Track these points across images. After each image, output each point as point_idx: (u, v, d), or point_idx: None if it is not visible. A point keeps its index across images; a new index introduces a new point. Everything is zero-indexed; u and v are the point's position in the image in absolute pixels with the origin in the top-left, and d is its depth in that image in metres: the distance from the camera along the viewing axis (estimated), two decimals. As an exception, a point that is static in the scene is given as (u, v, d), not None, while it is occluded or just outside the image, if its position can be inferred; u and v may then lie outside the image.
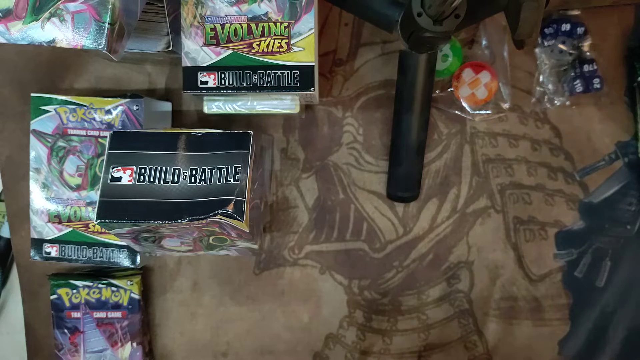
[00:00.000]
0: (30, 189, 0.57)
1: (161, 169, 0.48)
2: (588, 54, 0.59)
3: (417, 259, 0.61)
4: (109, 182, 0.48)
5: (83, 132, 0.57)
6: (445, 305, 0.61)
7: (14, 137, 0.62)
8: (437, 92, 0.60)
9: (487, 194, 0.61)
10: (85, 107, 0.57)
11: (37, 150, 0.57)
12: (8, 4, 0.42)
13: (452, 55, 0.58)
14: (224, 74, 0.51)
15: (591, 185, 0.61)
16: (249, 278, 0.61)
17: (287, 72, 0.50)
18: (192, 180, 0.48)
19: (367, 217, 0.61)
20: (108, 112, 0.57)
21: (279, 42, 0.50)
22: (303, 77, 0.50)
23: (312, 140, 0.61)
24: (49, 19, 0.42)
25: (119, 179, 0.48)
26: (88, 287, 0.59)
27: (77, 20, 0.42)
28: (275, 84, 0.51)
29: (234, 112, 0.54)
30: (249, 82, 0.51)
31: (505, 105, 0.59)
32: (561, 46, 0.59)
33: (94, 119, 0.57)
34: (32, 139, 0.57)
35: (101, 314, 0.59)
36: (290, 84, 0.50)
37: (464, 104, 0.59)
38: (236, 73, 0.51)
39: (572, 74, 0.59)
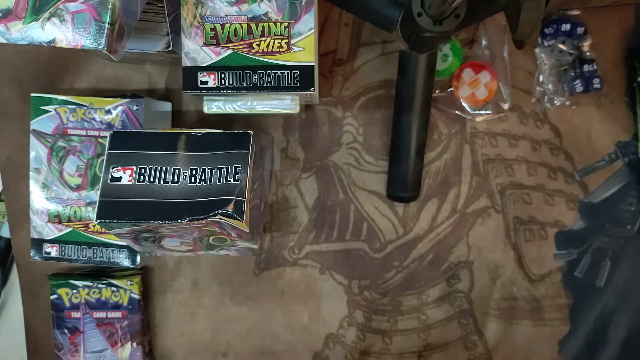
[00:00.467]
0: (30, 189, 0.57)
1: (161, 169, 0.48)
2: (588, 54, 0.59)
3: (417, 259, 0.61)
4: (109, 182, 0.48)
5: (83, 132, 0.57)
6: (445, 305, 0.61)
7: (14, 137, 0.62)
8: (437, 92, 0.60)
9: (487, 194, 0.61)
10: (85, 107, 0.57)
11: (37, 150, 0.57)
12: (8, 4, 0.42)
13: (452, 55, 0.58)
14: (224, 74, 0.51)
15: (591, 185, 0.61)
16: (249, 278, 0.61)
17: (287, 72, 0.50)
18: (192, 180, 0.48)
19: (367, 217, 0.61)
20: (108, 112, 0.57)
21: (279, 42, 0.50)
22: (303, 77, 0.50)
23: (312, 140, 0.61)
24: (49, 19, 0.42)
25: (119, 179, 0.48)
26: (88, 287, 0.59)
27: (77, 20, 0.42)
28: (275, 84, 0.51)
29: (234, 112, 0.54)
30: (249, 82, 0.51)
31: (505, 105, 0.59)
32: (561, 46, 0.59)
33: (94, 119, 0.57)
34: (32, 139, 0.57)
35: (101, 314, 0.59)
36: (290, 84, 0.50)
37: (464, 104, 0.59)
38: (236, 73, 0.51)
39: (572, 74, 0.59)
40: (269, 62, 0.51)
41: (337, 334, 0.61)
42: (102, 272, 0.61)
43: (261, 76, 0.51)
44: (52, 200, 0.57)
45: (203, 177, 0.48)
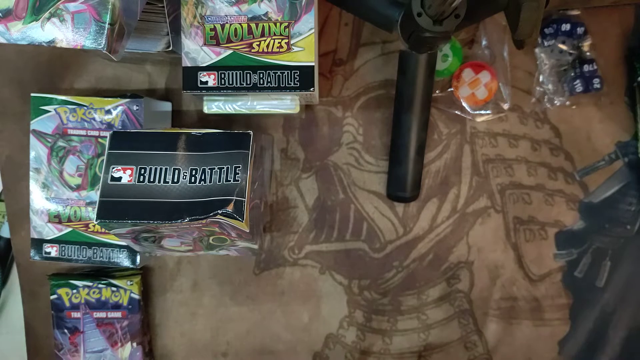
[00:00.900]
0: (30, 189, 0.57)
1: (161, 169, 0.48)
2: (588, 54, 0.59)
3: (417, 259, 0.61)
4: (109, 182, 0.48)
5: (83, 132, 0.57)
6: (445, 305, 0.61)
7: (14, 137, 0.62)
8: (437, 92, 0.60)
9: (487, 194, 0.61)
10: (85, 107, 0.57)
11: (37, 150, 0.57)
12: (8, 4, 0.42)
13: (452, 55, 0.58)
14: (224, 74, 0.51)
15: (591, 185, 0.61)
16: (249, 278, 0.61)
17: (287, 72, 0.50)
18: (192, 180, 0.48)
19: (367, 217, 0.61)
20: (108, 112, 0.57)
21: (279, 42, 0.50)
22: (303, 77, 0.50)
23: (312, 140, 0.61)
24: (49, 19, 0.42)
25: (119, 179, 0.48)
26: (88, 287, 0.59)
27: (77, 20, 0.42)
28: (275, 84, 0.51)
29: (234, 112, 0.54)
30: (249, 82, 0.51)
31: (505, 105, 0.59)
32: (561, 46, 0.59)
33: (94, 119, 0.57)
34: (32, 139, 0.57)
35: (101, 314, 0.59)
36: (290, 84, 0.50)
37: (464, 104, 0.59)
38: (236, 73, 0.51)
39: (572, 74, 0.59)
40: (269, 62, 0.51)
41: (337, 334, 0.61)
42: (102, 272, 0.61)
43: (261, 76, 0.51)
44: (52, 200, 0.57)
45: (203, 177, 0.48)
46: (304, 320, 0.61)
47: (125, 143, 0.50)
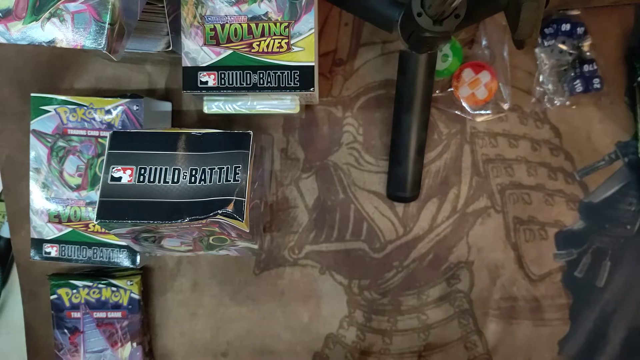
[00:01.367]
0: (30, 189, 0.57)
1: (161, 169, 0.48)
2: (588, 54, 0.59)
3: (417, 259, 0.61)
4: (109, 182, 0.48)
5: (83, 132, 0.57)
6: (445, 305, 0.61)
7: (14, 137, 0.62)
8: (437, 92, 0.60)
9: (487, 194, 0.61)
10: (85, 107, 0.57)
11: (37, 150, 0.57)
12: (8, 4, 0.42)
13: (452, 55, 0.58)
14: (224, 74, 0.51)
15: (591, 185, 0.61)
16: (249, 278, 0.61)
17: (287, 72, 0.50)
18: (192, 180, 0.48)
19: (367, 217, 0.61)
20: (108, 112, 0.57)
21: (279, 42, 0.50)
22: (303, 77, 0.50)
23: (312, 140, 0.61)
24: (49, 19, 0.42)
25: (119, 179, 0.48)
26: (88, 287, 0.59)
27: (77, 20, 0.42)
28: (275, 84, 0.51)
29: (234, 112, 0.54)
30: (249, 82, 0.51)
31: (505, 105, 0.59)
32: (561, 46, 0.59)
33: (94, 119, 0.57)
34: (32, 139, 0.57)
35: (101, 314, 0.59)
36: (290, 84, 0.50)
37: (464, 104, 0.59)
38: (236, 73, 0.51)
39: (572, 74, 0.59)
40: (269, 62, 0.51)
41: (337, 334, 0.61)
42: (102, 272, 0.61)
43: (261, 76, 0.51)
44: (52, 200, 0.57)
45: (203, 177, 0.48)
46: (304, 320, 0.61)
47: (125, 143, 0.50)
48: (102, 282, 0.59)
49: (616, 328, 0.60)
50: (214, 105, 0.54)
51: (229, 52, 0.51)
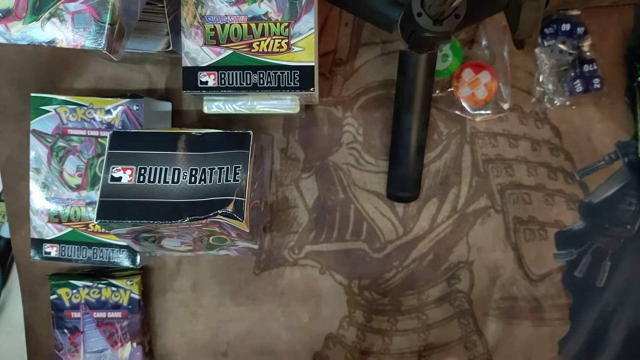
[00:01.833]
0: (30, 189, 0.57)
1: (161, 169, 0.48)
2: (588, 54, 0.59)
3: (417, 259, 0.61)
4: (109, 182, 0.48)
5: (83, 132, 0.57)
6: (445, 305, 0.61)
7: (14, 137, 0.62)
8: (437, 92, 0.60)
9: (487, 194, 0.61)
10: (85, 107, 0.57)
11: (37, 150, 0.57)
12: (8, 4, 0.42)
13: (452, 55, 0.58)
14: (224, 74, 0.51)
15: (591, 185, 0.61)
16: (249, 278, 0.61)
17: (287, 72, 0.50)
18: (192, 180, 0.48)
19: (367, 217, 0.61)
20: (108, 112, 0.57)
21: (279, 42, 0.50)
22: (303, 77, 0.50)
23: (312, 140, 0.61)
24: (49, 19, 0.42)
25: (119, 179, 0.48)
26: (88, 287, 0.59)
27: (77, 20, 0.42)
28: (275, 84, 0.51)
29: (234, 112, 0.54)
30: (249, 82, 0.51)
31: (505, 105, 0.59)
32: (561, 46, 0.59)
33: (94, 119, 0.57)
34: (32, 139, 0.57)
35: (101, 314, 0.59)
36: (290, 84, 0.50)
37: (464, 104, 0.59)
38: (236, 73, 0.51)
39: (572, 74, 0.59)
40: (269, 62, 0.51)
41: (337, 334, 0.61)
42: (102, 272, 0.61)
43: (261, 76, 0.51)
44: (52, 200, 0.57)
45: (203, 177, 0.48)
46: (304, 320, 0.61)
47: (125, 143, 0.50)
48: (102, 282, 0.59)
49: (616, 328, 0.60)
50: (214, 105, 0.54)
51: (229, 52, 0.51)
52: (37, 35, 0.42)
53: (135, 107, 0.56)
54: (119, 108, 0.57)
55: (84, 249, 0.58)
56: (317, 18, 0.51)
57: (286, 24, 0.50)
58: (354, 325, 0.61)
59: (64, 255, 0.58)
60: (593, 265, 0.60)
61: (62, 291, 0.59)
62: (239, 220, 0.46)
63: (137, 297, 0.59)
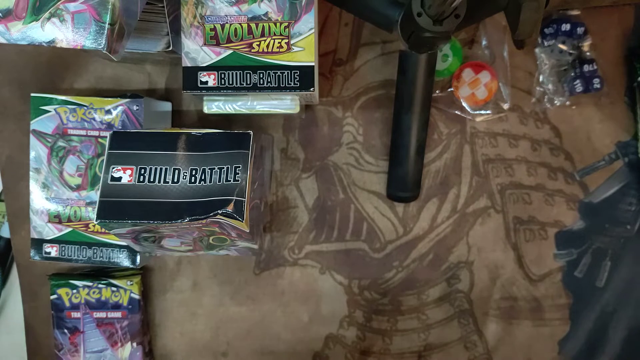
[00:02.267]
0: (30, 189, 0.57)
1: (161, 169, 0.48)
2: (588, 54, 0.59)
3: (417, 259, 0.61)
4: (109, 182, 0.48)
5: (83, 132, 0.57)
6: (445, 305, 0.61)
7: (14, 137, 0.62)
8: (437, 92, 0.60)
9: (487, 194, 0.61)
10: (85, 107, 0.57)
11: (37, 150, 0.57)
12: (8, 4, 0.42)
13: (452, 55, 0.58)
14: (224, 74, 0.51)
15: (591, 185, 0.61)
16: (249, 278, 0.61)
17: (287, 72, 0.50)
18: (192, 180, 0.48)
19: (367, 217, 0.61)
20: (108, 112, 0.57)
21: (279, 42, 0.50)
22: (303, 77, 0.50)
23: (312, 140, 0.61)
24: (49, 19, 0.42)
25: (119, 179, 0.48)
26: (88, 287, 0.59)
27: (77, 21, 0.42)
28: (275, 84, 0.51)
29: (234, 112, 0.54)
30: (249, 82, 0.51)
31: (505, 105, 0.59)
32: (561, 46, 0.59)
33: (94, 119, 0.57)
34: (32, 139, 0.57)
35: (101, 314, 0.59)
36: (290, 84, 0.50)
37: (464, 104, 0.59)
38: (236, 73, 0.51)
39: (572, 74, 0.59)
40: (269, 62, 0.51)
41: (337, 334, 0.61)
42: (102, 272, 0.61)
43: (261, 76, 0.51)
44: (52, 200, 0.57)
45: (203, 177, 0.48)
46: (304, 320, 0.61)
47: (125, 143, 0.50)
48: (102, 282, 0.59)
49: (616, 328, 0.60)
50: (214, 105, 0.54)
51: (229, 52, 0.51)
52: (37, 35, 0.42)
53: (135, 107, 0.56)
54: (119, 108, 0.57)
55: (84, 249, 0.58)
56: (317, 18, 0.51)
57: (286, 24, 0.50)
58: (354, 325, 0.61)
59: (64, 255, 0.58)
60: (593, 265, 0.60)
61: (62, 291, 0.59)
62: (239, 220, 0.46)
63: (137, 297, 0.59)
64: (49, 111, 0.57)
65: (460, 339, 0.61)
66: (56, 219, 0.57)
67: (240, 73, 0.51)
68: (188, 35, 0.51)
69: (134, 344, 0.59)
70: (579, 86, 0.59)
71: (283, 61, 0.50)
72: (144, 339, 0.60)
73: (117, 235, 0.50)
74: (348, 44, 0.61)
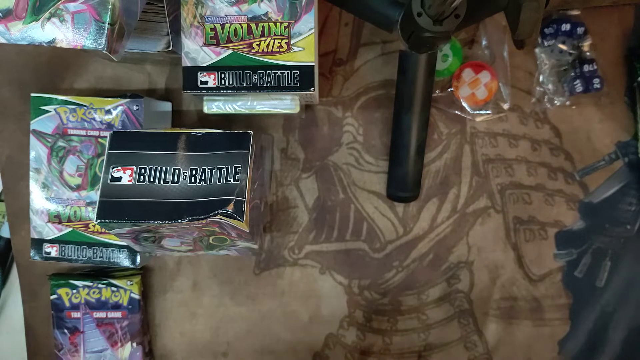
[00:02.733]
0: (30, 189, 0.57)
1: (161, 169, 0.48)
2: (588, 54, 0.59)
3: (417, 259, 0.61)
4: (109, 182, 0.48)
5: (83, 132, 0.57)
6: (445, 305, 0.61)
7: (14, 137, 0.62)
8: (437, 92, 0.60)
9: (487, 194, 0.61)
10: (85, 107, 0.57)
11: (37, 150, 0.57)
12: (8, 4, 0.42)
13: (452, 55, 0.58)
14: (224, 74, 0.51)
15: (591, 185, 0.61)
16: (249, 278, 0.61)
17: (287, 72, 0.50)
18: (192, 180, 0.48)
19: (367, 217, 0.61)
20: (108, 112, 0.57)
21: (279, 42, 0.50)
22: (303, 77, 0.50)
23: (312, 140, 0.61)
24: (49, 19, 0.42)
25: (119, 179, 0.48)
26: (88, 287, 0.59)
27: (77, 21, 0.42)
28: (275, 84, 0.51)
29: (234, 112, 0.54)
30: (249, 82, 0.51)
31: (505, 105, 0.59)
32: (561, 46, 0.59)
33: (94, 119, 0.57)
34: (32, 139, 0.57)
35: (101, 314, 0.59)
36: (290, 84, 0.50)
37: (464, 104, 0.59)
38: (236, 73, 0.51)
39: (572, 74, 0.59)
40: (269, 62, 0.51)
41: (337, 334, 0.61)
42: (102, 272, 0.61)
43: (261, 76, 0.51)
44: (52, 200, 0.57)
45: (203, 177, 0.48)
46: (304, 320, 0.61)
47: (125, 143, 0.50)
48: (102, 282, 0.59)
49: (616, 328, 0.60)
50: (214, 105, 0.54)
51: (229, 52, 0.51)
52: (37, 35, 0.42)
53: (135, 107, 0.56)
54: (119, 108, 0.57)
55: (84, 249, 0.58)
56: (317, 18, 0.51)
57: (286, 24, 0.50)
58: (354, 325, 0.61)
59: (64, 255, 0.58)
60: (593, 265, 0.60)
61: (62, 291, 0.59)
62: (239, 220, 0.46)
63: (137, 297, 0.59)
64: (49, 111, 0.57)
65: (460, 339, 0.61)
66: (56, 219, 0.57)
67: (240, 73, 0.51)
68: (188, 35, 0.51)
69: (134, 344, 0.59)
70: (579, 86, 0.59)
71: (283, 61, 0.50)
72: (144, 339, 0.60)
73: (117, 235, 0.50)
74: (348, 44, 0.61)
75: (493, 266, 0.61)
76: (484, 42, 0.59)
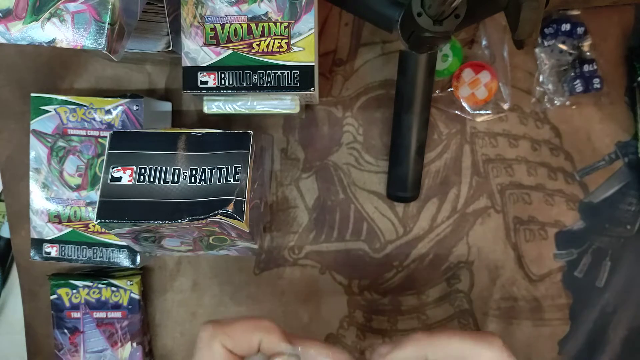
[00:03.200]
0: (30, 189, 0.57)
1: (161, 169, 0.48)
2: (588, 54, 0.59)
3: (417, 259, 0.61)
4: (109, 182, 0.48)
5: (83, 132, 0.57)
6: (445, 305, 0.61)
7: (14, 137, 0.62)
8: (437, 92, 0.60)
9: (487, 194, 0.61)
10: (85, 107, 0.57)
11: (37, 150, 0.57)
12: (8, 4, 0.42)
13: (452, 55, 0.58)
14: (224, 74, 0.51)
15: (591, 185, 0.61)
16: (249, 278, 0.61)
17: (287, 72, 0.50)
18: (192, 180, 0.48)
19: (367, 217, 0.61)
20: (108, 112, 0.57)
21: (279, 42, 0.50)
22: (303, 77, 0.50)
23: (312, 140, 0.61)
24: (49, 19, 0.42)
25: (119, 179, 0.48)
26: (88, 287, 0.59)
27: (77, 21, 0.42)
28: (275, 84, 0.51)
29: (234, 112, 0.54)
30: (249, 82, 0.51)
31: (505, 105, 0.59)
32: (561, 46, 0.59)
33: (94, 119, 0.57)
34: (32, 139, 0.57)
35: (101, 314, 0.59)
36: (290, 84, 0.50)
37: (464, 104, 0.59)
38: (236, 73, 0.51)
39: (572, 74, 0.59)
40: (269, 62, 0.51)
41: (337, 334, 0.61)
42: (102, 272, 0.61)
43: (261, 76, 0.51)
44: (52, 200, 0.57)
45: (203, 177, 0.48)
46: (304, 320, 0.61)
47: (125, 143, 0.50)
48: (102, 282, 0.59)
49: (616, 328, 0.60)
50: (214, 105, 0.54)
51: (229, 52, 0.51)
52: (37, 35, 0.42)
53: (135, 107, 0.56)
54: (119, 108, 0.57)
55: (84, 249, 0.58)
56: (317, 18, 0.51)
57: (286, 24, 0.50)
58: (354, 325, 0.61)
59: (64, 255, 0.58)
60: (593, 265, 0.60)
61: (62, 291, 0.59)
62: (239, 220, 0.46)
63: (137, 297, 0.59)
64: (49, 111, 0.57)
65: (460, 339, 0.61)
66: (56, 219, 0.57)
67: (240, 73, 0.51)
68: (188, 35, 0.51)
69: (134, 344, 0.59)
70: (579, 86, 0.59)
71: (283, 61, 0.50)
72: (144, 339, 0.60)
73: (117, 235, 0.50)
74: (348, 44, 0.61)
75: (493, 266, 0.61)
76: (484, 42, 0.59)
